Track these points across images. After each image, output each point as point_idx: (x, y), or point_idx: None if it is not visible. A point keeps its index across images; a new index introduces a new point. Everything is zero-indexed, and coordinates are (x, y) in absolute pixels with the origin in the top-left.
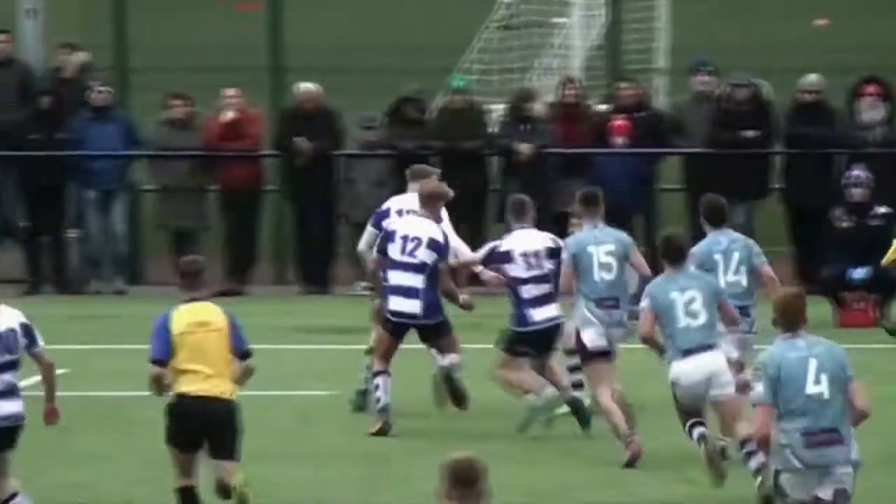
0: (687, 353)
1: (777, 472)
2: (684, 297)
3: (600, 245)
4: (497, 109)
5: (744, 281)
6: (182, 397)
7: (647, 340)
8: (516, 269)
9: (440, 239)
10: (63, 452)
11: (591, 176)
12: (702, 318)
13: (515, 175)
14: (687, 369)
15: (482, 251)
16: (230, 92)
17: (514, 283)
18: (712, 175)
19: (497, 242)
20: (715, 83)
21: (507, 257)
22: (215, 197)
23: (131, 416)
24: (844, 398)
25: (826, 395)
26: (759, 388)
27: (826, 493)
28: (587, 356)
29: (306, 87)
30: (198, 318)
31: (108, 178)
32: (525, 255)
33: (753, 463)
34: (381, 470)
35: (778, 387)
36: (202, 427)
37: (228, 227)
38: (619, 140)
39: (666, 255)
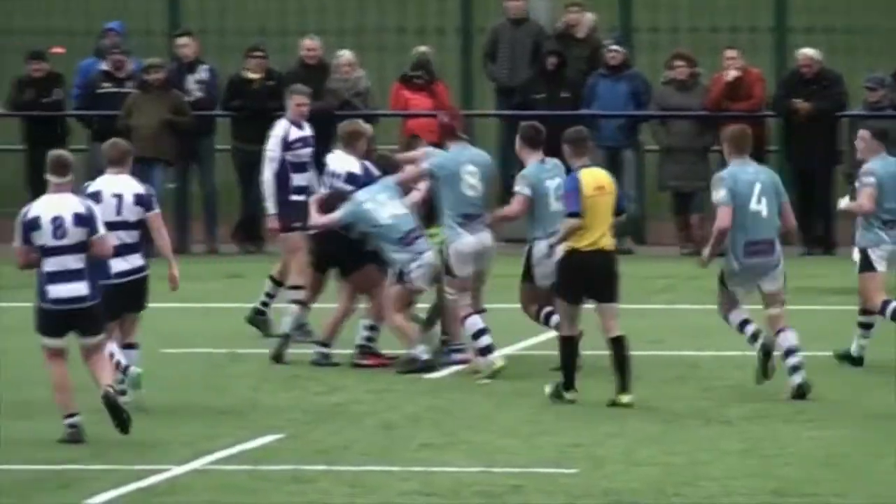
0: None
1: (722, 273)
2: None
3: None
4: None
5: None
6: (575, 252)
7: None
8: None
9: None
10: (569, 411)
11: None
12: None
13: None
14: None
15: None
16: (731, 53)
17: None
18: None
19: None
20: None
21: None
22: (717, 158)
23: (639, 375)
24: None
25: (764, 214)
26: (721, 193)
27: (767, 286)
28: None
29: (806, 52)
30: (598, 183)
31: (616, 137)
32: None
33: None
34: (888, 428)
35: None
36: (590, 279)
37: None
38: None
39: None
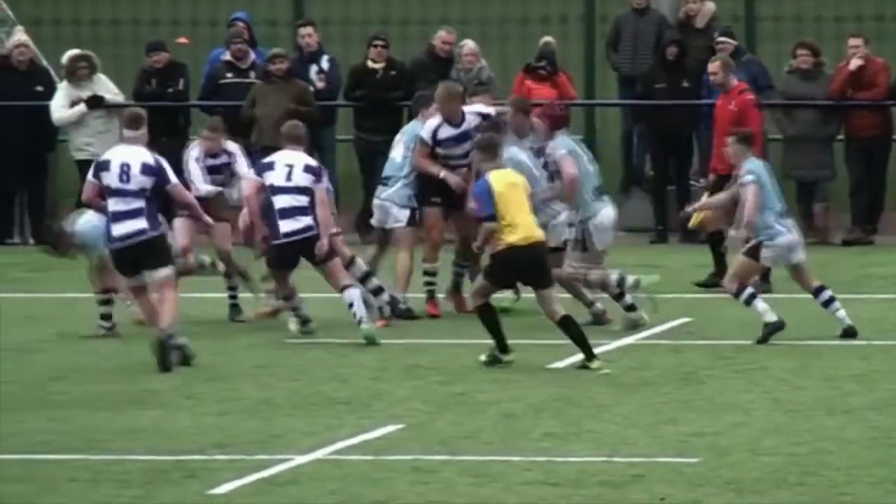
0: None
1: None
2: None
3: None
4: None
5: None
6: (513, 248)
7: None
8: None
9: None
10: (692, 401)
11: None
12: None
13: None
14: None
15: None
16: (854, 41)
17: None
18: None
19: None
20: None
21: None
22: (842, 147)
23: (762, 365)
24: None
25: None
26: None
27: None
28: None
29: None
30: (508, 180)
31: None
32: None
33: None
34: None
35: None
36: (527, 269)
37: (855, 176)
38: None
39: None
